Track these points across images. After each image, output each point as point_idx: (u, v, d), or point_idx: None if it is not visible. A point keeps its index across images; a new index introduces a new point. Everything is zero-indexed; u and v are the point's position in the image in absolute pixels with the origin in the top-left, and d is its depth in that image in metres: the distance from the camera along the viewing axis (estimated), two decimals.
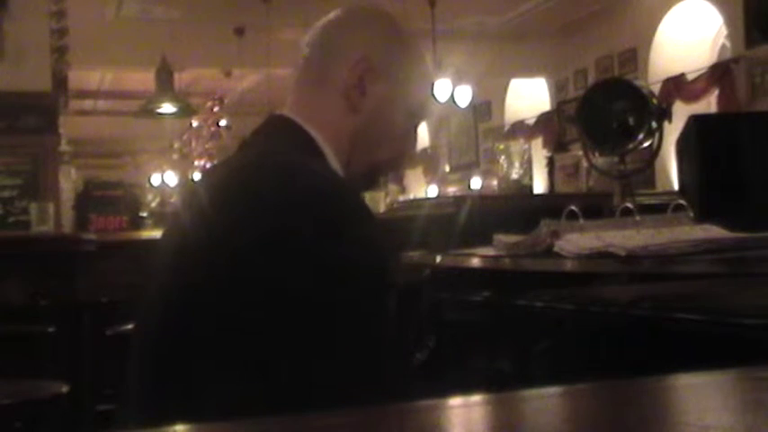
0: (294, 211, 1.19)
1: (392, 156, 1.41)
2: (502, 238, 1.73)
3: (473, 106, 9.65)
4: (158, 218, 5.11)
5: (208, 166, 7.96)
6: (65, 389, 2.87)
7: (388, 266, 1.24)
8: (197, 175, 8.24)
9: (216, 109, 8.95)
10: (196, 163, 9.13)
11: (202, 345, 1.19)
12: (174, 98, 6.49)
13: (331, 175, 1.30)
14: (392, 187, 7.25)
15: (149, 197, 8.80)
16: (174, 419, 0.61)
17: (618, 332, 1.47)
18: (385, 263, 1.23)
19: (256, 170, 1.27)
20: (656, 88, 7.17)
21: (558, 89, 9.58)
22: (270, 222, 1.18)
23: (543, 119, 9.63)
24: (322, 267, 1.17)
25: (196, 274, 1.21)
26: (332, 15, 1.41)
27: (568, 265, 1.52)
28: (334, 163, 1.34)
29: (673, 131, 2.19)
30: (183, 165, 10.03)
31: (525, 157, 4.23)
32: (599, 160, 2.29)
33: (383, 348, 1.22)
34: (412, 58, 1.41)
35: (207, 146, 8.78)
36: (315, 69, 1.37)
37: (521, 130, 9.90)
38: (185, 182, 9.24)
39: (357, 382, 1.16)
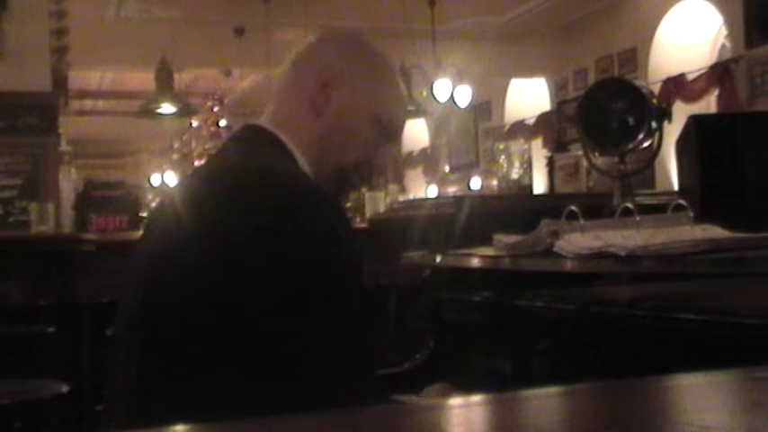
0: (271, 212, 1.24)
1: (358, 161, 1.48)
2: (502, 238, 1.73)
3: (473, 106, 9.65)
4: None
5: None
6: (65, 389, 2.87)
7: (360, 269, 1.28)
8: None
9: (216, 109, 8.95)
10: (196, 163, 9.11)
11: (180, 345, 1.22)
12: (174, 98, 6.48)
13: (306, 178, 1.38)
14: (392, 187, 7.25)
15: (149, 197, 8.80)
16: (158, 418, 0.62)
17: (618, 332, 1.47)
18: (358, 266, 1.28)
19: (236, 173, 1.33)
20: (656, 88, 7.17)
21: (558, 89, 9.57)
22: (247, 224, 1.23)
23: (543, 119, 9.63)
24: (296, 268, 1.21)
25: (175, 276, 1.25)
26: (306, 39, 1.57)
27: (568, 265, 1.52)
28: (304, 167, 1.42)
29: (673, 131, 2.19)
30: (183, 165, 10.02)
31: (525, 157, 4.24)
32: (599, 160, 2.29)
33: (353, 349, 1.25)
34: (376, 70, 1.52)
35: (207, 146, 8.78)
36: (285, 82, 1.50)
37: (521, 130, 9.90)
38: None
39: (326, 382, 1.19)
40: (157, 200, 2.69)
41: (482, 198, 5.41)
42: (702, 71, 7.45)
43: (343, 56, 1.49)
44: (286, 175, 1.34)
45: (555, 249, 1.54)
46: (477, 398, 0.68)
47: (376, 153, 1.50)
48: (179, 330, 1.22)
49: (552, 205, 2.34)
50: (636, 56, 8.24)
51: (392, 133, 1.52)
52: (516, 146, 4.66)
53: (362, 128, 1.47)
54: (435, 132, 12.23)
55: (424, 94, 7.71)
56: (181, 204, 1.32)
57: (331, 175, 1.45)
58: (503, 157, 4.07)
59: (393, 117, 1.51)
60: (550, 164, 4.54)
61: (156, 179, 12.04)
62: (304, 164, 1.42)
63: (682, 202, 1.65)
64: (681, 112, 2.29)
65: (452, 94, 7.87)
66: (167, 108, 6.47)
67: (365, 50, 1.52)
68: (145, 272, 1.31)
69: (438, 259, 1.99)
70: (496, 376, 1.77)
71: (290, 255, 1.21)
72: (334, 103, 1.44)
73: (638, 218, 1.58)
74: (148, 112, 6.61)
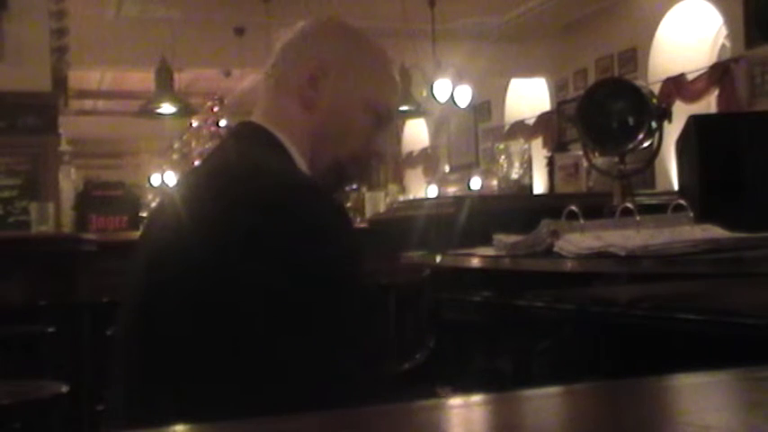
0: (268, 212, 1.23)
1: (355, 153, 1.45)
2: (502, 238, 1.73)
3: (473, 106, 9.64)
4: None
5: None
6: (65, 389, 2.87)
7: (360, 266, 1.27)
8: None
9: (216, 109, 8.95)
10: (196, 163, 9.11)
11: (179, 345, 1.22)
12: (174, 98, 6.48)
13: (303, 176, 1.36)
14: (392, 187, 7.25)
15: (149, 197, 8.80)
16: (158, 418, 0.61)
17: (618, 332, 1.47)
18: (357, 263, 1.27)
19: (233, 172, 1.32)
20: (656, 88, 7.17)
21: (558, 89, 9.57)
22: (245, 224, 1.22)
23: (543, 119, 9.63)
24: (295, 267, 1.20)
25: (175, 276, 1.24)
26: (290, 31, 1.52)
27: (568, 265, 1.52)
28: (300, 162, 1.40)
29: (673, 131, 2.19)
30: (183, 165, 10.02)
31: (525, 157, 4.24)
32: (599, 160, 2.29)
33: (354, 347, 1.24)
34: (364, 56, 1.48)
35: (207, 146, 8.77)
36: (273, 76, 1.46)
37: (521, 130, 9.90)
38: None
39: (326, 381, 1.19)
40: (157, 200, 2.70)
41: (482, 198, 5.40)
42: (702, 71, 7.44)
43: (329, 46, 1.45)
44: (283, 174, 1.33)
45: (555, 249, 1.54)
46: (477, 398, 0.68)
47: (372, 142, 1.47)
48: (179, 330, 1.22)
49: (552, 205, 2.34)
50: (636, 56, 8.24)
51: (387, 119, 1.49)
52: (516, 146, 4.66)
53: (356, 117, 1.44)
54: (435, 132, 12.23)
55: (424, 94, 7.71)
56: (179, 204, 1.32)
57: (328, 170, 1.43)
58: (503, 157, 4.07)
59: (386, 102, 1.48)
60: (550, 164, 4.53)
61: (156, 179, 12.04)
62: (300, 160, 1.40)
63: (682, 202, 1.65)
64: (681, 112, 2.29)
65: (452, 94, 7.86)
66: (167, 108, 6.47)
67: (351, 38, 1.49)
68: (144, 272, 1.31)
69: (438, 259, 1.99)
70: (496, 376, 1.77)
71: (289, 253, 1.21)
72: (325, 95, 1.41)
73: (638, 218, 1.58)
74: (148, 112, 6.61)
